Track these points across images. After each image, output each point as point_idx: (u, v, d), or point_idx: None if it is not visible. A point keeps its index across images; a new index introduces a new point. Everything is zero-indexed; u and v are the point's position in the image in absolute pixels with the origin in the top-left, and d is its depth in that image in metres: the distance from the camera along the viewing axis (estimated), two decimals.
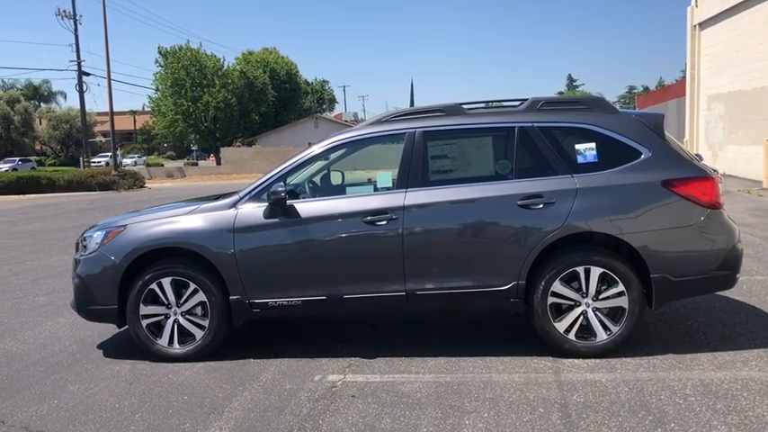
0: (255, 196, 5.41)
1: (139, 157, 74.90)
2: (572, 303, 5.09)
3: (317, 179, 5.95)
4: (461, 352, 5.31)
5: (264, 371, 5.14)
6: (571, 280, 5.07)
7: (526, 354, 5.20)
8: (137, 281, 5.38)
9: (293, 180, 5.57)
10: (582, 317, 5.08)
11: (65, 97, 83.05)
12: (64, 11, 43.35)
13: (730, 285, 5.30)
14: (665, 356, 5.04)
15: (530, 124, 5.29)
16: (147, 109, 63.88)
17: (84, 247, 5.64)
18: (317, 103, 71.46)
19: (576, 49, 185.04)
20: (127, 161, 64.19)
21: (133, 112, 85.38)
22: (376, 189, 5.50)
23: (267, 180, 5.44)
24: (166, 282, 5.37)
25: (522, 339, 5.49)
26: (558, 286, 5.07)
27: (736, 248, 5.13)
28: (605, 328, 5.07)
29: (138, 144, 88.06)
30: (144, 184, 34.30)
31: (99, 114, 73.89)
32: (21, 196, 30.32)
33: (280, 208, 5.26)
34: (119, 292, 5.40)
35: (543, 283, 5.06)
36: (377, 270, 5.22)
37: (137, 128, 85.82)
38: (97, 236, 5.60)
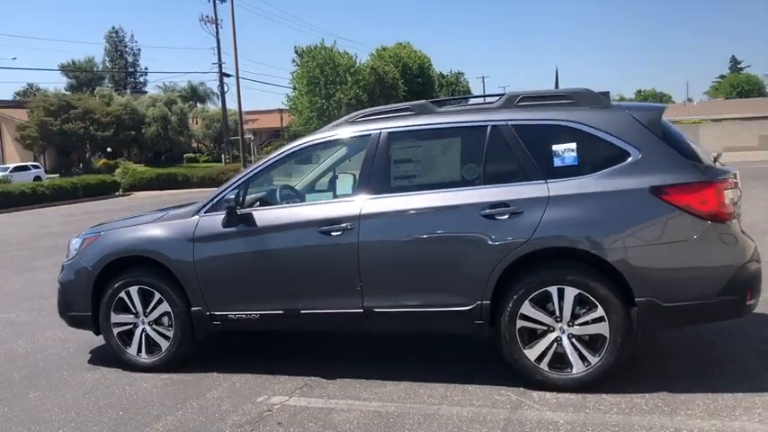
0: (218, 204, 5.19)
1: None
2: (544, 328, 4.43)
3: (282, 185, 5.62)
4: (428, 376, 4.79)
5: (218, 386, 4.93)
6: (543, 302, 4.41)
7: (498, 382, 4.59)
8: (108, 289, 5.35)
9: (260, 186, 5.30)
10: (556, 344, 4.41)
11: (218, 97, 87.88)
12: (207, 16, 46.01)
13: (739, 314, 4.38)
14: (654, 395, 4.25)
15: (504, 123, 4.66)
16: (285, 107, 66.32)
17: (67, 252, 5.71)
18: (451, 95, 70.83)
19: (740, 27, 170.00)
20: None
21: (280, 111, 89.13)
22: (335, 196, 5.10)
23: (229, 187, 5.21)
24: (134, 290, 5.30)
25: (501, 364, 4.88)
26: (527, 308, 4.42)
27: (746, 269, 4.21)
28: (582, 358, 4.36)
29: (284, 141, 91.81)
30: None
31: (247, 113, 77.86)
32: (161, 192, 32.73)
33: (235, 217, 5.02)
34: (92, 299, 5.40)
35: (511, 305, 4.44)
36: (333, 285, 4.84)
37: (283, 125, 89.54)
38: (76, 242, 5.65)
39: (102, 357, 5.76)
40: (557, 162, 4.48)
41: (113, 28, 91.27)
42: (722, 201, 4.20)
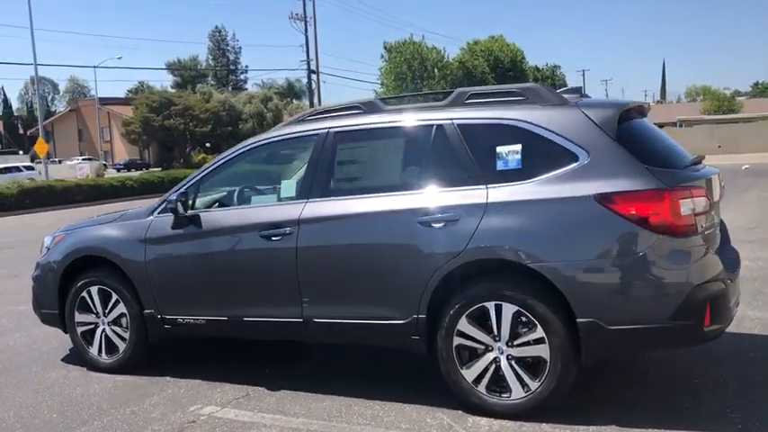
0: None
1: None
2: (483, 347, 4.03)
3: (244, 186, 5.42)
4: (373, 392, 4.47)
5: (162, 392, 4.82)
6: (482, 318, 4.01)
7: (438, 403, 4.22)
8: (71, 288, 5.36)
9: (213, 187, 5.15)
10: (494, 365, 4.00)
11: (314, 94, 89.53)
12: (296, 14, 46.78)
13: (695, 341, 3.83)
14: (602, 428, 3.76)
15: (449, 121, 4.28)
16: None
17: (41, 250, 5.78)
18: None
19: None
20: None
21: None
22: (280, 198, 4.87)
23: (178, 187, 5.08)
24: (94, 291, 5.27)
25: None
26: (464, 325, 4.03)
27: (704, 290, 3.65)
28: (522, 382, 3.93)
29: None
30: None
31: None
32: None
33: (181, 219, 4.89)
34: (59, 297, 5.43)
35: (447, 320, 4.07)
36: (274, 292, 4.61)
37: None
38: (47, 240, 5.70)
39: (77, 356, 5.78)
40: (500, 165, 4.06)
41: (216, 27, 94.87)
42: (677, 211, 3.66)
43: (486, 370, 4.01)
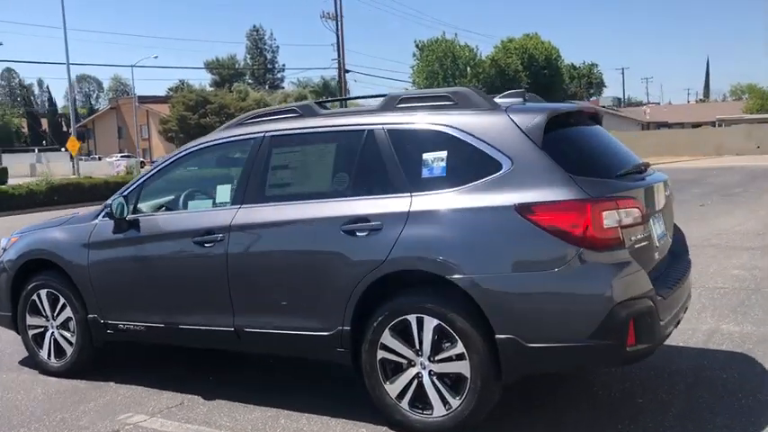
0: None
1: None
2: (405, 362, 3.86)
3: (191, 189, 5.31)
4: (305, 404, 4.34)
5: (100, 398, 4.75)
6: (405, 332, 3.84)
7: (366, 417, 4.06)
8: (22, 290, 5.35)
9: (157, 191, 5.07)
10: (417, 381, 3.83)
11: (348, 93, 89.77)
12: (328, 13, 46.76)
13: (618, 361, 3.61)
14: None
15: (380, 127, 4.12)
16: None
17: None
18: (584, 87, 67.81)
19: None
20: None
21: None
22: (215, 204, 4.76)
23: (123, 190, 5.01)
24: (44, 294, 5.24)
25: None
26: (387, 338, 3.87)
27: (627, 308, 3.41)
28: (444, 399, 3.76)
29: None
30: None
31: None
32: None
33: (122, 222, 4.82)
34: (11, 299, 5.42)
35: (371, 333, 3.91)
36: (207, 300, 4.51)
37: None
38: (3, 242, 5.70)
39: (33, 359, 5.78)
40: (425, 173, 3.89)
41: (254, 26, 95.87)
42: (599, 224, 3.43)
43: (409, 385, 3.84)
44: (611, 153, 4.06)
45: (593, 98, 69.49)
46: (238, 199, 4.46)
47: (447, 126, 3.89)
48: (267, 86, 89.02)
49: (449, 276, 3.63)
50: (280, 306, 4.22)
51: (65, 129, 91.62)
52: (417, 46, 53.19)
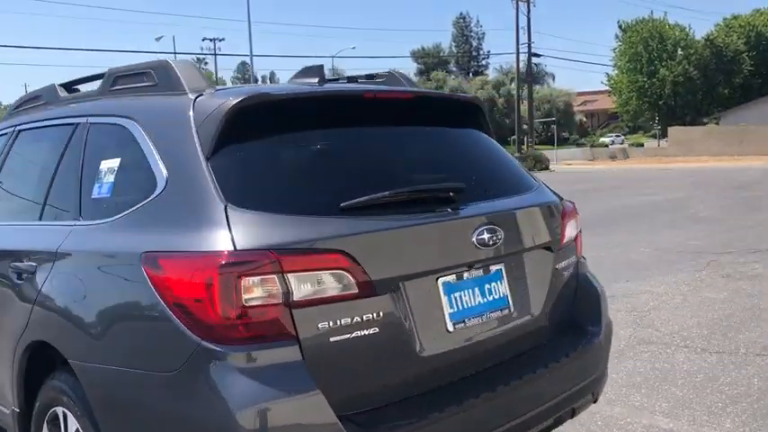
0: None
1: (617, 136, 73.05)
2: None
3: None
4: None
5: None
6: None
7: None
8: None
9: None
10: None
11: (553, 78, 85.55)
12: None
13: None
14: None
15: (85, 120, 2.85)
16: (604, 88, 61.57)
17: None
18: None
19: None
20: (604, 140, 64.41)
21: (609, 92, 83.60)
22: None
23: None
24: None
25: None
26: None
27: None
28: None
29: (622, 123, 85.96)
30: (548, 166, 33.02)
31: (580, 94, 74.78)
32: None
33: None
34: None
35: (33, 425, 2.71)
36: None
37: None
38: None
39: None
40: (95, 191, 2.56)
41: (461, 14, 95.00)
42: (231, 297, 1.90)
43: None
44: (386, 170, 2.42)
45: None
46: None
47: (128, 119, 2.54)
48: (471, 74, 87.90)
49: (71, 360, 2.32)
50: None
51: None
52: (620, 27, 48.66)
